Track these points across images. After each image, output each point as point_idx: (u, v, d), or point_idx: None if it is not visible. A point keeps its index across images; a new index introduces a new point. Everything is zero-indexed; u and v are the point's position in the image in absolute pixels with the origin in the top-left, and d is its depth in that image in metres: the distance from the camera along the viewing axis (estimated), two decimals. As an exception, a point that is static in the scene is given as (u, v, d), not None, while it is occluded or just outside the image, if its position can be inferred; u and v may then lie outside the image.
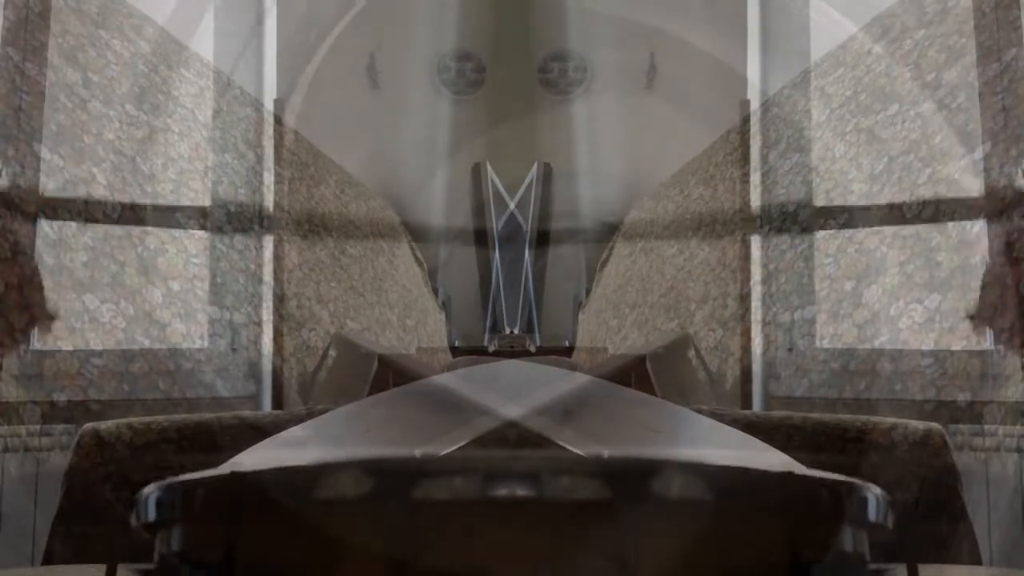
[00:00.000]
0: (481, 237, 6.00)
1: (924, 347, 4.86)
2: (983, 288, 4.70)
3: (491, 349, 5.56)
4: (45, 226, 4.82)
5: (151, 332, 5.07)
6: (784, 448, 3.06)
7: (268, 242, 5.59)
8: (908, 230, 5.03)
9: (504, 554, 2.36)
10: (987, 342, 4.65)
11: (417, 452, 2.46)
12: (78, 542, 3.24)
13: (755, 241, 5.58)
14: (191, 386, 5.13)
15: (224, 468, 2.60)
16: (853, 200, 5.30)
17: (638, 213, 6.30)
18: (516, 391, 2.91)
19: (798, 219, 5.45)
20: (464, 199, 6.15)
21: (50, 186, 4.87)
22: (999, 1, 4.91)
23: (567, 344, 5.90)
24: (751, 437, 3.07)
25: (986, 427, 4.53)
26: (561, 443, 2.49)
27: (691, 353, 5.54)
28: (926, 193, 5.00)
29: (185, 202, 5.35)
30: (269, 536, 2.42)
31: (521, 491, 2.37)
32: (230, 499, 2.46)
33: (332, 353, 5.54)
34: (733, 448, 2.94)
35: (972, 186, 4.83)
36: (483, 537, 2.37)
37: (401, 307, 6.06)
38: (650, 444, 2.80)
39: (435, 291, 6.21)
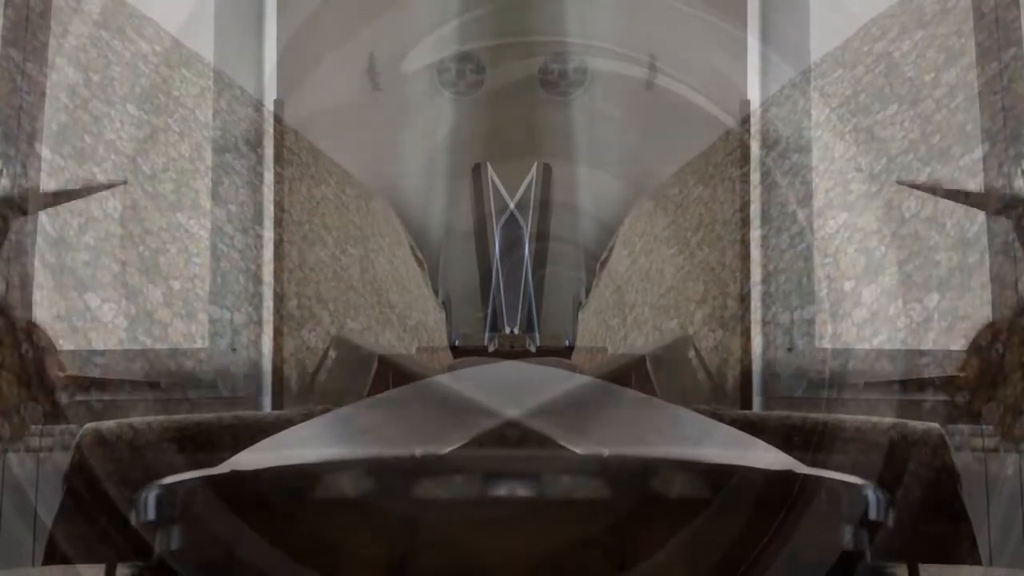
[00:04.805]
0: (481, 237, 6.00)
1: (923, 347, 4.87)
2: (982, 287, 4.71)
3: (491, 349, 5.56)
4: (47, 225, 4.83)
5: (152, 332, 5.07)
6: (784, 448, 3.07)
7: (268, 242, 5.60)
8: (907, 229, 5.04)
9: (504, 553, 2.37)
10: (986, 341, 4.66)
11: (417, 452, 2.46)
12: (78, 542, 3.25)
13: (754, 241, 5.58)
14: (192, 386, 5.14)
15: (224, 467, 2.61)
16: (852, 199, 5.30)
17: (638, 213, 6.31)
18: (516, 392, 2.91)
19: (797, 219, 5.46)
20: (464, 199, 6.15)
21: (51, 186, 4.88)
22: (999, 1, 4.92)
23: (567, 344, 5.90)
24: (751, 437, 3.08)
25: (984, 427, 4.54)
26: (561, 443, 2.50)
27: (691, 353, 5.54)
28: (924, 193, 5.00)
29: (186, 202, 5.36)
30: (269, 535, 2.42)
31: (521, 490, 2.37)
32: (230, 498, 2.46)
33: (332, 353, 5.55)
34: (733, 447, 2.95)
35: (970, 186, 4.84)
36: (483, 536, 2.38)
37: (401, 307, 6.07)
38: (650, 443, 2.81)
39: (435, 291, 6.22)
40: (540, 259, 5.95)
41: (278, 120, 5.85)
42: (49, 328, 4.73)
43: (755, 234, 5.60)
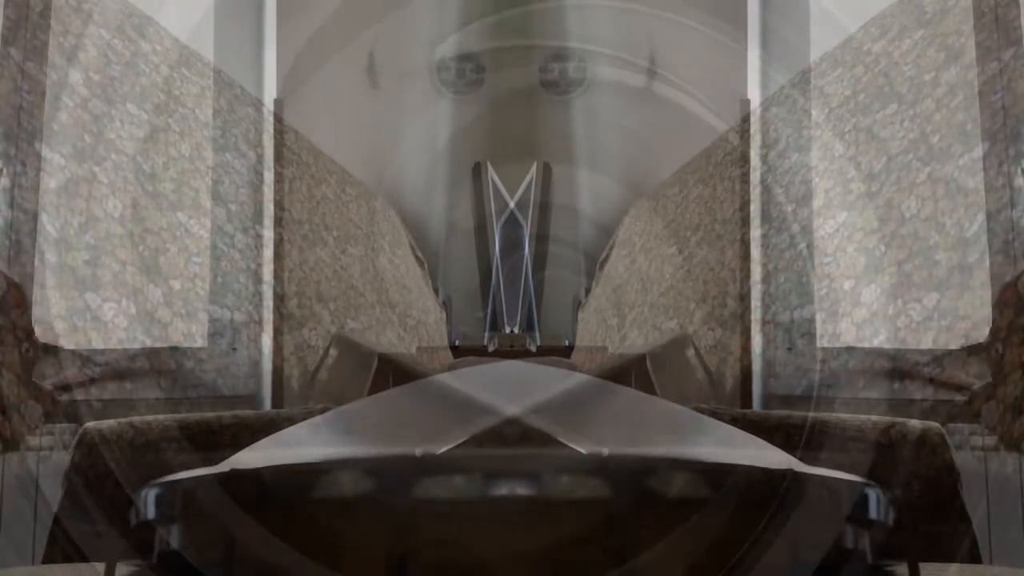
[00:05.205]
0: (481, 237, 6.01)
1: (922, 346, 4.87)
2: (982, 287, 4.71)
3: (491, 348, 5.56)
4: (47, 224, 4.83)
5: (152, 331, 5.07)
6: (784, 447, 3.07)
7: (268, 241, 5.60)
8: (906, 229, 5.04)
9: (504, 551, 2.37)
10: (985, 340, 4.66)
11: (417, 451, 2.46)
12: (79, 541, 3.25)
13: (754, 240, 5.58)
14: (192, 385, 5.14)
15: (224, 466, 2.61)
16: (851, 199, 5.31)
17: (637, 212, 6.31)
18: (516, 391, 2.91)
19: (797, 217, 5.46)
20: (464, 199, 6.15)
21: (51, 185, 4.88)
22: (999, 0, 4.92)
23: (567, 343, 5.90)
24: (752, 436, 3.08)
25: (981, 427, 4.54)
26: (561, 440, 2.50)
27: (690, 352, 5.54)
28: (925, 192, 5.00)
29: (186, 201, 5.36)
30: (268, 534, 2.42)
31: (521, 489, 2.37)
32: (230, 497, 2.46)
33: (332, 352, 5.55)
34: (734, 446, 2.95)
35: (970, 185, 4.84)
36: (483, 534, 2.38)
37: (401, 307, 6.07)
38: (650, 442, 2.81)
39: (435, 290, 6.22)
40: (540, 259, 5.96)
41: (278, 120, 5.85)
42: (49, 327, 4.74)
43: (755, 233, 5.61)
